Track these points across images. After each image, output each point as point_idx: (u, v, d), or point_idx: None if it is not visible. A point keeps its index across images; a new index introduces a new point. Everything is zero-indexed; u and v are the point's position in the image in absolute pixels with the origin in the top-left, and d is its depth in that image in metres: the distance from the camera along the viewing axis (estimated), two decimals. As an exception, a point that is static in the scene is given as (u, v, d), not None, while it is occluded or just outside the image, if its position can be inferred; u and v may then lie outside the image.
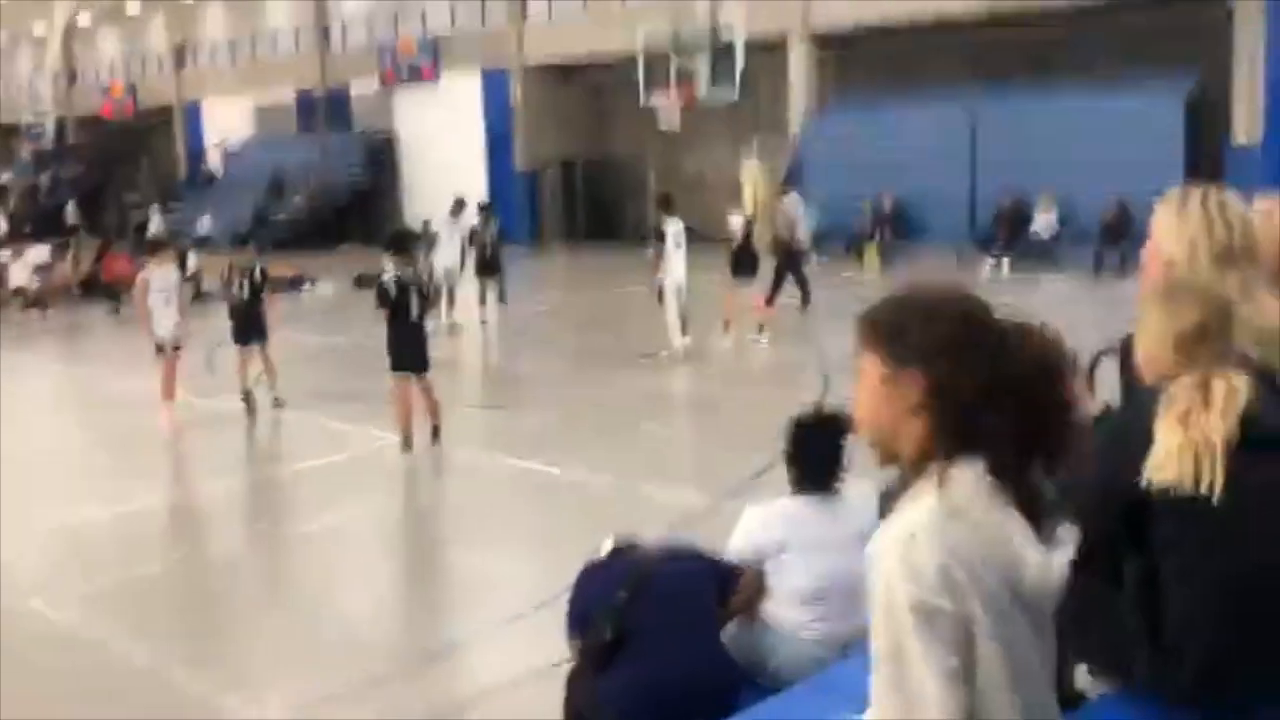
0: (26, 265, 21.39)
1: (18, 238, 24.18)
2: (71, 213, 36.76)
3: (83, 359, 17.51)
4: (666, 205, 14.77)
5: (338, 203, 33.51)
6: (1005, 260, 21.18)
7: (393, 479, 10.02)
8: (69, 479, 10.40)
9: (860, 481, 4.08)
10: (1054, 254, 20.83)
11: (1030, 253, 21.10)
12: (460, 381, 13.53)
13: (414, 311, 10.08)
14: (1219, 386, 2.48)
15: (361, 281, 21.28)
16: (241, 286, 12.35)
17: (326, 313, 20.58)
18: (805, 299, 16.93)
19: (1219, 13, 19.91)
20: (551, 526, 8.27)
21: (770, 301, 16.11)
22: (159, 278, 11.97)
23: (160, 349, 11.84)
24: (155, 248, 12.76)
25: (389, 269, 10.52)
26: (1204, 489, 2.41)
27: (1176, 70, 21.16)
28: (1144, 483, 2.46)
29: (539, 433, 11.14)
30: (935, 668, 1.77)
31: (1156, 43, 21.85)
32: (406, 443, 10.14)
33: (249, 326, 12.36)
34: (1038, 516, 1.86)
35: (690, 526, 6.95)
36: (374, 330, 10.66)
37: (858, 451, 4.06)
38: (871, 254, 22.81)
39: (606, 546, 4.20)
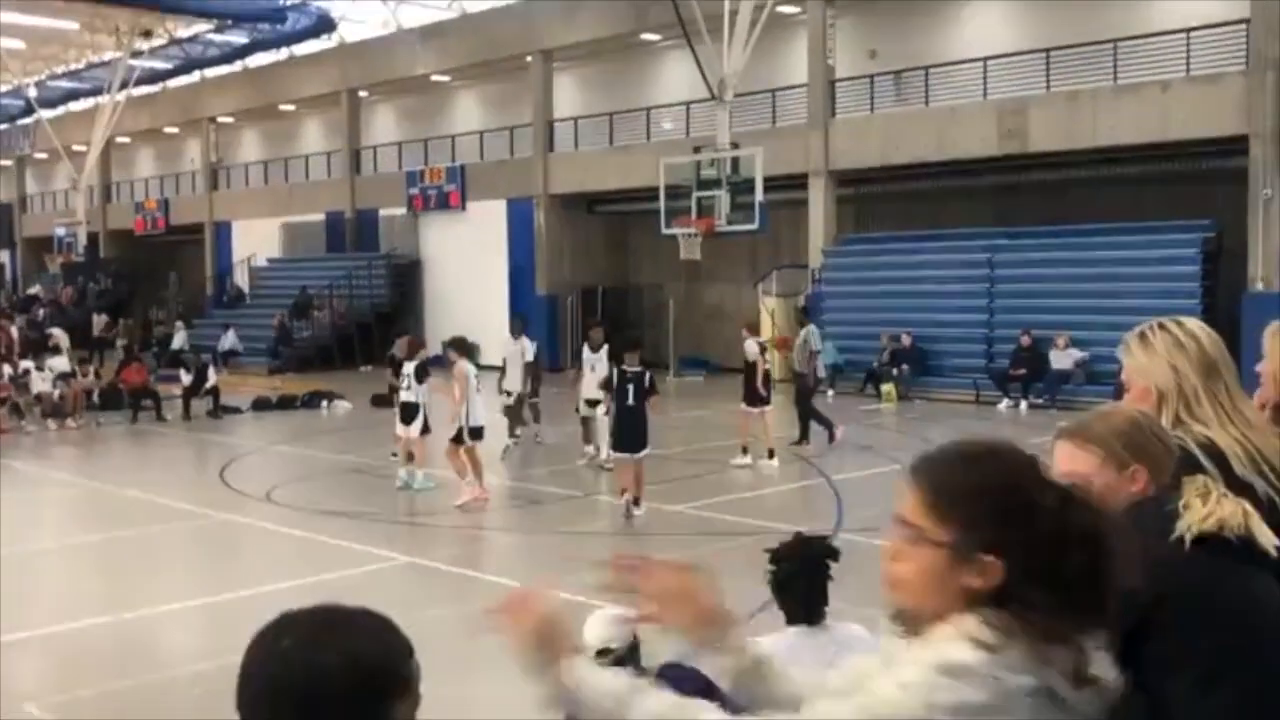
0: (49, 374, 21.59)
1: (42, 348, 24.32)
2: (98, 325, 37.19)
3: (95, 469, 17.52)
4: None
5: (362, 322, 33.81)
6: (1023, 401, 21.21)
7: (383, 599, 9.90)
8: (72, 585, 10.34)
9: (845, 624, 4.05)
10: (1073, 394, 20.74)
11: (1048, 392, 21.06)
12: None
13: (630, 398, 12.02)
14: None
15: (378, 400, 21.38)
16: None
17: (340, 431, 20.66)
18: (809, 434, 16.85)
19: (1236, 161, 20.15)
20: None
21: (805, 438, 16.59)
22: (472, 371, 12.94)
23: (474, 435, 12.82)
24: (464, 348, 13.13)
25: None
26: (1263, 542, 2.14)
27: (1194, 216, 21.35)
28: (1180, 542, 2.13)
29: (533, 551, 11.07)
30: None
31: (1174, 189, 22.09)
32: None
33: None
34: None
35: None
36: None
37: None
38: (890, 388, 22.81)
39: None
